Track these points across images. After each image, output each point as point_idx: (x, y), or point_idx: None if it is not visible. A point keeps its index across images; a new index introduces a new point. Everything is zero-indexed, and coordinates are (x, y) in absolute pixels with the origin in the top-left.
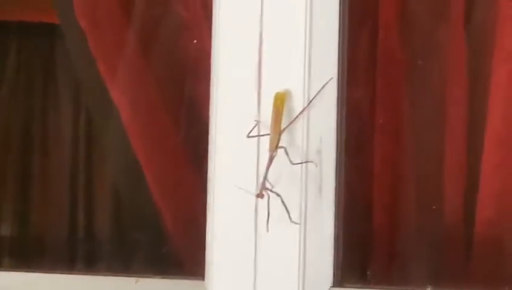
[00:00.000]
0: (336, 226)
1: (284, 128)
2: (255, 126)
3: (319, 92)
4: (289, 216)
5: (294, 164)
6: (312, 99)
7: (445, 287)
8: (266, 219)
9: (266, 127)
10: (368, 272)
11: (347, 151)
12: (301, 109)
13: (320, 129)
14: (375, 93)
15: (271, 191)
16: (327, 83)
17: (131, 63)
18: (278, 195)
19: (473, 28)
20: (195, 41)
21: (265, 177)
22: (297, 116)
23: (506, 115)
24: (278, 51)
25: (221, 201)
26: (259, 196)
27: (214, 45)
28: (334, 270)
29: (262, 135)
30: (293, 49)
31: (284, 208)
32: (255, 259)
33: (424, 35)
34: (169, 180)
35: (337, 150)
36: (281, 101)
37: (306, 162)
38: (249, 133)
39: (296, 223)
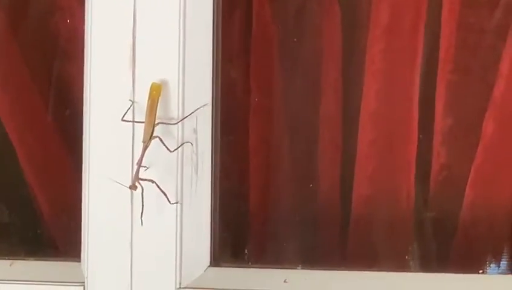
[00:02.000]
0: (213, 207)
1: (158, 123)
2: (130, 107)
3: (192, 112)
4: (167, 198)
5: (172, 151)
6: (185, 117)
7: (321, 266)
8: (140, 211)
9: (141, 112)
10: (246, 252)
11: (222, 130)
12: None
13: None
14: (249, 72)
15: (145, 180)
16: (202, 107)
17: (1, 40)
18: (152, 181)
19: (348, 4)
20: (68, 20)
21: (138, 168)
22: (173, 123)
23: (379, 92)
24: (152, 36)
25: (96, 187)
26: (132, 187)
27: (87, 26)
28: (211, 250)
29: (137, 122)
30: (166, 35)
31: (159, 192)
32: (131, 241)
33: (298, 12)
34: (43, 162)
35: (212, 130)
36: (156, 92)
37: (183, 143)
38: (124, 116)
39: (175, 203)
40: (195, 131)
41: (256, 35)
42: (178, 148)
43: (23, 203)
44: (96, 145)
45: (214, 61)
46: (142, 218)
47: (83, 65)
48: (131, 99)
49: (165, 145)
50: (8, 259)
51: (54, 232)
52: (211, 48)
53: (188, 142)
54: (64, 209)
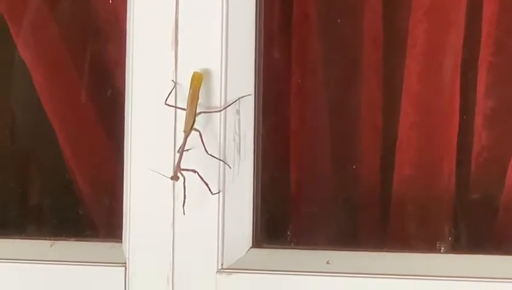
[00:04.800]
0: (255, 187)
1: (200, 112)
2: (172, 89)
3: (233, 102)
4: (209, 189)
5: (209, 154)
6: (229, 105)
7: (362, 247)
8: (183, 201)
9: (184, 97)
10: (288, 233)
11: (265, 112)
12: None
13: (238, 93)
14: (291, 55)
15: (187, 170)
16: (243, 97)
17: (41, 23)
18: (194, 171)
19: None
20: (110, 1)
21: (180, 158)
22: (216, 111)
23: (422, 74)
24: (195, 20)
25: (138, 170)
26: (174, 178)
27: (129, 8)
28: (253, 231)
29: (180, 108)
30: (209, 18)
31: (202, 182)
32: (173, 222)
33: None
34: (83, 143)
35: (254, 111)
36: (197, 82)
37: (219, 159)
38: (167, 99)
39: (217, 193)
40: (237, 112)
41: (297, 17)
42: (214, 157)
43: (64, 185)
44: (137, 129)
45: (256, 47)
46: (184, 207)
47: (124, 47)
48: (174, 80)
49: (203, 143)
50: (49, 240)
51: (95, 213)
52: (254, 34)
53: (226, 164)
54: (105, 190)
